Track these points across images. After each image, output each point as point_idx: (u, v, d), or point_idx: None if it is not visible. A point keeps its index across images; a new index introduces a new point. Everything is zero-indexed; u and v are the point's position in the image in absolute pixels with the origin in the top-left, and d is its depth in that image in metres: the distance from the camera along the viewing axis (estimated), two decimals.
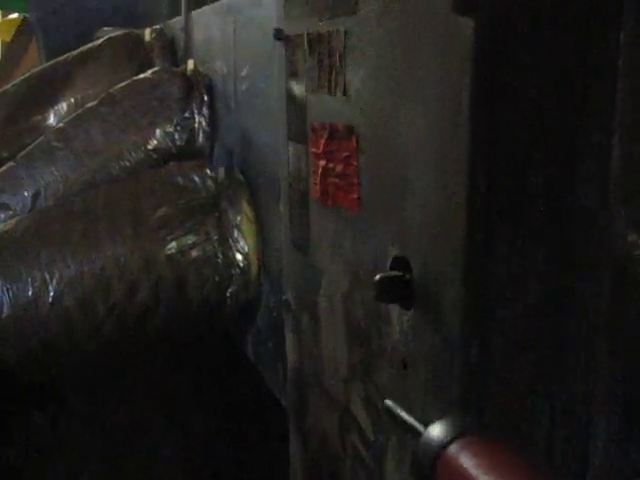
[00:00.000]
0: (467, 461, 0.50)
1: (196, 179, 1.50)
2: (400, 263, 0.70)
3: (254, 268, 1.45)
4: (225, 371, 1.62)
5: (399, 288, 0.68)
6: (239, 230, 1.46)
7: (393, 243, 0.72)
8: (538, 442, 0.71)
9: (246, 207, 1.47)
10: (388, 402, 0.66)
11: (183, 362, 1.62)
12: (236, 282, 1.45)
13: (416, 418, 0.71)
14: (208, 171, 1.50)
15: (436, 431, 0.54)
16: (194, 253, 1.44)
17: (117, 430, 1.61)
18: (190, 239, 1.44)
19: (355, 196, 0.78)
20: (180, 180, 1.50)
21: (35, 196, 1.67)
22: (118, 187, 1.55)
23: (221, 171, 1.50)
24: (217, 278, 1.44)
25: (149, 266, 1.43)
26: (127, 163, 1.64)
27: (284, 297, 1.02)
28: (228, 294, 1.45)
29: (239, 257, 1.45)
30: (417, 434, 0.58)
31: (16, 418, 1.53)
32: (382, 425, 0.81)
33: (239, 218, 1.46)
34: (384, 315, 0.75)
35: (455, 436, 0.53)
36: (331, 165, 0.82)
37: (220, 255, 1.44)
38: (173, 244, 1.44)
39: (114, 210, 1.48)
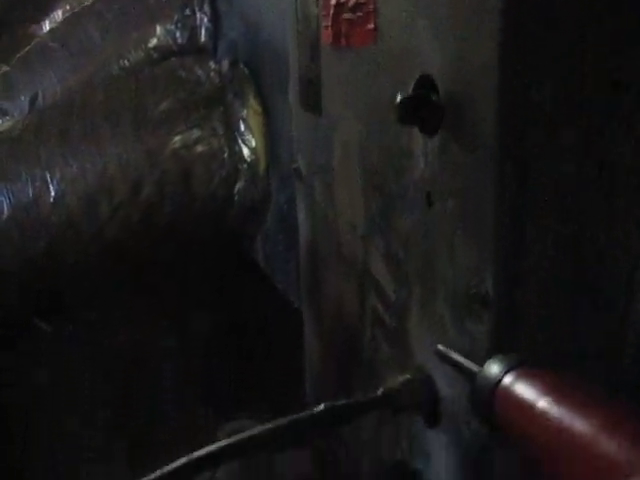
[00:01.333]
0: (523, 389, 0.50)
1: (199, 72, 1.43)
2: (425, 84, 0.63)
3: (262, 163, 1.38)
4: (233, 277, 1.57)
5: (424, 107, 0.61)
6: (246, 124, 1.39)
7: (415, 69, 0.65)
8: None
9: (252, 100, 1.40)
10: (440, 347, 0.65)
11: (189, 269, 1.57)
12: (244, 178, 1.39)
13: (441, 255, 0.66)
14: (212, 64, 1.43)
15: (491, 367, 0.54)
16: (199, 148, 1.38)
17: (121, 341, 1.57)
18: (195, 134, 1.38)
19: (371, 26, 0.71)
20: (182, 73, 1.43)
21: (32, 100, 1.60)
22: (118, 84, 1.48)
23: (225, 64, 1.43)
24: (224, 173, 1.38)
25: (153, 162, 1.37)
26: (126, 62, 1.56)
27: (294, 166, 0.96)
28: (235, 190, 1.39)
29: (246, 151, 1.38)
30: (472, 374, 0.58)
31: (19, 326, 1.49)
32: (403, 279, 0.75)
33: (245, 111, 1.39)
34: (406, 149, 0.69)
35: (509, 368, 0.53)
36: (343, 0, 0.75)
37: (226, 149, 1.38)
38: (177, 139, 1.37)
39: (114, 107, 1.42)
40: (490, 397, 0.53)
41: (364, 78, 0.75)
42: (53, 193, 1.38)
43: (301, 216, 0.98)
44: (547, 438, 0.45)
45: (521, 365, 0.53)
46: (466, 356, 0.67)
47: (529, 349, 0.66)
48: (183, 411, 1.43)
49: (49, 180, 1.38)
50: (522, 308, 0.65)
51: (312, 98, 0.86)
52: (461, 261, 0.64)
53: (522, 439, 0.49)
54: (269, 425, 0.69)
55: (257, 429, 0.69)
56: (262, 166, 1.38)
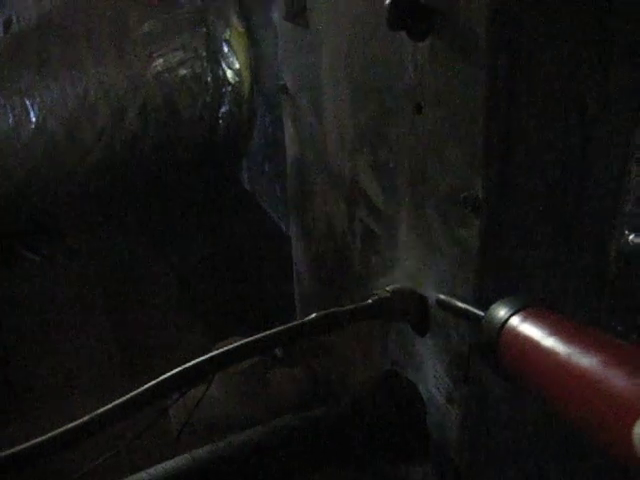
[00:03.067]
0: (528, 329, 0.51)
1: None
2: None
3: (246, 85, 1.37)
4: (219, 201, 1.57)
5: (413, 11, 0.61)
6: (229, 45, 1.37)
7: None
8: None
9: (235, 20, 1.37)
10: (442, 296, 0.66)
11: (175, 194, 1.56)
12: (228, 101, 1.37)
13: (431, 162, 0.66)
14: None
15: (496, 310, 0.55)
16: (182, 71, 1.36)
17: (112, 263, 1.57)
18: (177, 56, 1.36)
19: None
20: None
21: (7, 24, 1.55)
22: (98, 6, 1.44)
23: None
24: (208, 97, 1.37)
25: (136, 86, 1.35)
26: None
27: (280, 83, 0.94)
28: (220, 114, 1.38)
29: (230, 74, 1.36)
30: (477, 318, 0.58)
31: (12, 256, 1.48)
32: (393, 189, 0.76)
33: (228, 32, 1.37)
34: (394, 58, 0.68)
35: (515, 310, 0.53)
36: None
37: (210, 72, 1.36)
38: (159, 61, 1.35)
39: (95, 28, 1.38)
40: (497, 339, 0.53)
41: None
42: (34, 119, 1.35)
43: (288, 133, 0.97)
44: (555, 376, 0.46)
45: (526, 307, 0.53)
46: (456, 265, 0.68)
47: (514, 258, 0.67)
48: (174, 332, 1.44)
49: (29, 106, 1.35)
50: (509, 215, 0.65)
51: (297, 9, 0.85)
52: (451, 167, 0.65)
53: (530, 378, 0.50)
54: (264, 333, 0.70)
55: (251, 337, 0.70)
56: (246, 88, 1.36)
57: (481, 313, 0.58)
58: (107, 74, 1.33)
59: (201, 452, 0.73)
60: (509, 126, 0.61)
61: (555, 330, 0.49)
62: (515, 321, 0.53)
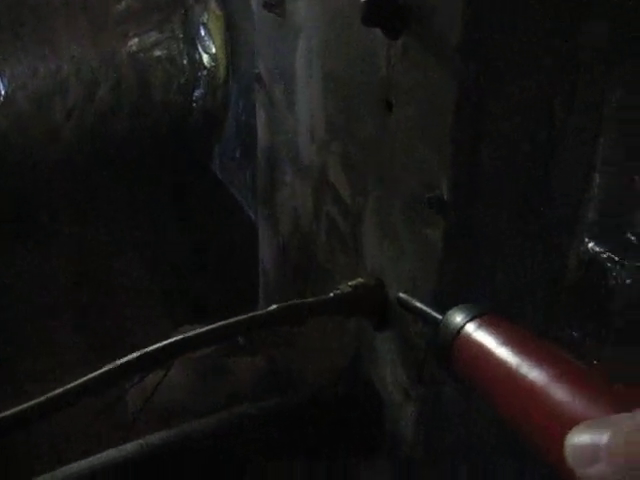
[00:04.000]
0: (482, 336, 0.51)
1: None
2: None
3: (222, 70, 1.36)
4: (190, 187, 1.56)
5: (388, 8, 0.61)
6: (206, 29, 1.35)
7: None
8: None
9: (214, 4, 1.36)
10: (402, 295, 0.66)
11: (144, 179, 1.54)
12: (203, 84, 1.36)
13: (399, 160, 0.66)
14: None
15: (453, 315, 0.55)
16: (158, 52, 1.34)
17: (80, 247, 1.55)
18: (153, 36, 1.34)
19: None
20: None
21: None
22: None
23: None
24: (182, 80, 1.36)
25: (109, 64, 1.33)
26: None
27: (256, 71, 0.94)
28: (194, 97, 1.37)
29: (206, 58, 1.35)
30: (435, 322, 0.58)
31: None
32: (360, 185, 0.76)
33: (206, 15, 1.36)
34: (368, 54, 0.68)
35: (471, 317, 0.54)
36: None
37: (185, 55, 1.35)
38: (135, 41, 1.33)
39: (70, 3, 1.36)
40: (451, 343, 0.54)
41: None
42: (2, 92, 1.33)
43: (260, 122, 0.97)
44: (502, 384, 0.47)
45: (483, 315, 0.54)
46: (419, 264, 0.68)
47: (476, 260, 0.68)
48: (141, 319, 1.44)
49: None
50: (474, 217, 0.66)
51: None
52: (418, 167, 0.65)
53: (479, 384, 0.51)
54: (225, 321, 0.70)
55: (211, 325, 0.70)
56: (222, 73, 1.35)
57: (439, 316, 0.58)
58: (81, 51, 1.31)
59: (153, 438, 0.73)
60: (477, 128, 0.61)
61: (508, 339, 0.50)
62: (470, 328, 0.53)
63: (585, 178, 0.69)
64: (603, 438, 0.33)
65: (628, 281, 0.69)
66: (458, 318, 0.55)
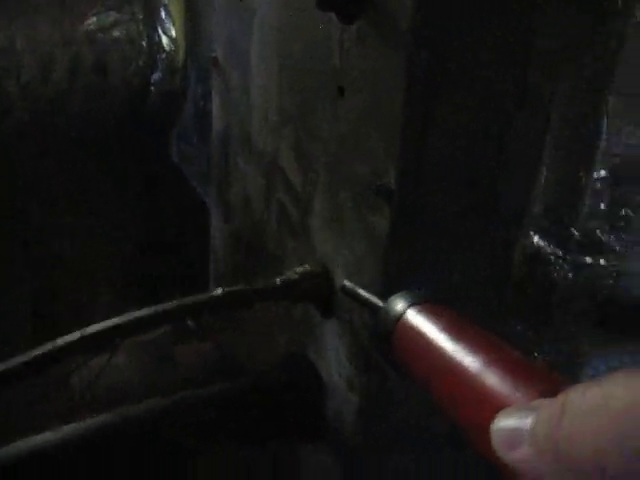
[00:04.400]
0: (422, 323, 0.52)
1: None
2: None
3: (181, 53, 1.34)
4: (146, 172, 1.54)
5: None
6: (167, 11, 1.33)
7: None
8: None
9: None
10: (347, 282, 0.66)
11: (99, 162, 1.52)
12: (161, 68, 1.34)
13: (349, 148, 0.66)
14: None
15: (394, 302, 0.55)
16: (116, 32, 1.32)
17: (43, 235, 1.53)
18: (112, 16, 1.32)
19: None
20: None
21: None
22: None
23: None
24: (141, 62, 1.34)
25: (66, 42, 1.30)
26: None
27: (212, 54, 0.93)
28: (152, 80, 1.35)
29: (165, 40, 1.33)
30: (376, 309, 0.58)
31: None
32: (310, 171, 0.76)
33: None
34: (322, 38, 0.68)
35: (411, 304, 0.54)
36: None
37: (145, 37, 1.33)
38: (93, 20, 1.31)
39: None
40: (391, 331, 0.54)
41: None
42: None
43: (215, 106, 0.96)
44: (439, 371, 0.47)
45: (423, 302, 0.54)
46: (366, 252, 0.68)
47: (422, 250, 0.68)
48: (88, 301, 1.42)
49: None
50: (421, 207, 0.66)
51: None
52: (367, 154, 0.65)
53: (417, 371, 0.51)
54: (169, 303, 0.69)
55: (155, 307, 0.69)
56: (181, 57, 1.34)
57: (380, 303, 0.58)
58: (36, 27, 1.28)
59: (92, 422, 0.72)
60: (426, 117, 0.62)
61: (446, 326, 0.50)
62: (410, 314, 0.54)
63: (533, 172, 0.70)
64: (526, 422, 0.33)
65: (570, 275, 0.70)
66: (399, 305, 0.55)
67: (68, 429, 0.73)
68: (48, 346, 0.69)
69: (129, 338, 0.75)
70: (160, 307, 0.70)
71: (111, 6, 1.32)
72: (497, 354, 0.44)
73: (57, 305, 1.51)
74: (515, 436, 0.34)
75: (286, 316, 0.86)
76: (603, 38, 0.61)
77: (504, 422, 0.35)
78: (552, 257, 0.71)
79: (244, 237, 0.95)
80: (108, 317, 0.72)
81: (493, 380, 0.41)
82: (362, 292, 0.64)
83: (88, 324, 0.70)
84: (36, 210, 1.54)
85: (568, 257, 0.70)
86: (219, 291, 0.72)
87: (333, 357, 0.77)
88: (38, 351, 0.69)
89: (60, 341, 0.69)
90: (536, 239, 0.71)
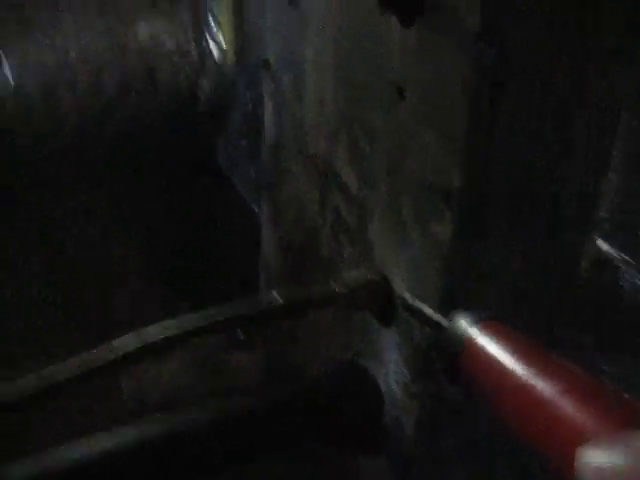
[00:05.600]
0: (490, 345, 0.51)
1: None
2: None
3: (230, 60, 1.34)
4: (194, 178, 1.54)
5: None
6: (215, 17, 1.34)
7: None
8: None
9: None
10: (406, 295, 0.65)
11: (148, 170, 1.53)
12: (210, 74, 1.34)
13: (409, 151, 0.65)
14: None
15: (459, 321, 0.54)
16: (165, 40, 1.33)
17: (78, 237, 1.54)
18: (161, 24, 1.32)
19: None
20: None
21: None
22: None
23: None
24: (189, 69, 1.34)
25: (116, 51, 1.31)
26: None
27: (264, 58, 0.92)
28: (201, 87, 1.35)
29: (214, 47, 1.34)
30: (441, 327, 0.57)
31: None
32: (368, 176, 0.74)
33: (215, 4, 1.34)
34: (382, 40, 0.67)
35: (478, 324, 0.53)
36: None
37: (193, 43, 1.33)
38: (143, 29, 1.31)
39: None
40: (458, 351, 0.53)
41: None
42: (11, 78, 1.31)
43: (267, 111, 0.95)
44: (512, 395, 0.46)
45: (490, 321, 0.53)
46: (426, 259, 0.67)
47: (484, 257, 0.66)
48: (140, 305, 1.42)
49: (4, 61, 1.31)
50: (484, 213, 0.65)
51: None
52: (429, 158, 0.63)
53: (487, 394, 0.50)
54: (223, 312, 0.69)
55: (211, 315, 0.69)
56: (230, 63, 1.34)
57: (445, 322, 0.57)
58: (88, 36, 1.30)
59: (141, 429, 0.71)
60: (491, 121, 0.60)
61: (515, 348, 0.49)
62: (477, 335, 0.52)
63: (599, 176, 0.68)
64: (619, 458, 0.32)
65: (638, 281, 0.67)
66: (464, 324, 0.54)
67: (117, 436, 0.72)
68: (101, 350, 0.68)
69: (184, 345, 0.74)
70: (219, 314, 0.69)
71: (160, 15, 1.33)
72: (573, 377, 0.44)
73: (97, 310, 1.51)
74: (606, 473, 0.32)
75: (341, 323, 0.84)
76: None
77: (593, 456, 0.34)
78: (619, 263, 0.68)
79: (296, 243, 0.94)
80: (158, 320, 0.71)
81: (573, 405, 0.40)
82: (424, 308, 0.63)
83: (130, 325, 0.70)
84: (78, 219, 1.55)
85: (636, 263, 0.67)
86: (275, 299, 0.71)
87: (391, 365, 0.76)
88: (89, 356, 0.68)
89: (115, 343, 0.68)
90: (602, 244, 0.69)
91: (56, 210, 1.48)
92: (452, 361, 0.54)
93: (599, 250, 0.70)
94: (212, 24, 1.34)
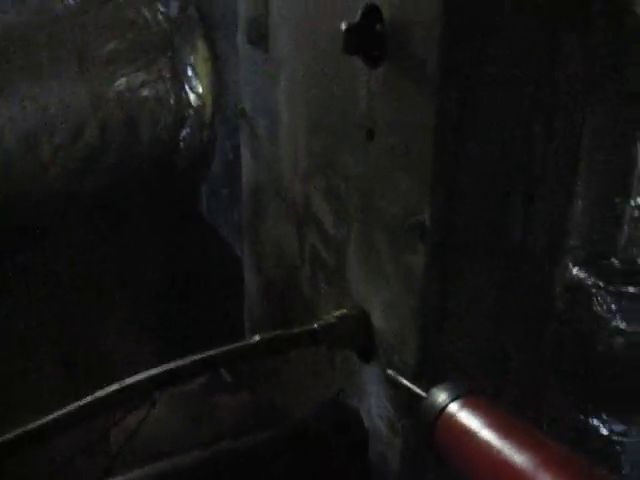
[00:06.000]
0: (466, 418, 0.53)
1: (147, 14, 1.39)
2: (370, 14, 0.63)
3: (208, 109, 1.37)
4: (176, 227, 1.56)
5: (369, 37, 0.62)
6: (193, 69, 1.37)
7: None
8: None
9: (201, 45, 1.38)
10: (389, 371, 0.67)
11: (131, 218, 1.54)
12: (190, 124, 1.37)
13: (381, 189, 0.67)
14: (159, 6, 1.40)
15: (437, 393, 0.57)
16: (145, 92, 1.35)
17: (65, 286, 1.54)
18: (141, 77, 1.35)
19: None
20: (130, 13, 1.39)
21: None
22: (62, 20, 1.43)
23: (174, 6, 1.40)
24: (169, 119, 1.36)
25: (96, 104, 1.34)
26: (71, 1, 1.51)
27: (240, 106, 0.95)
28: (181, 137, 1.38)
29: (193, 97, 1.37)
30: (419, 398, 0.60)
31: None
32: (343, 215, 0.76)
33: (193, 57, 1.37)
34: (349, 84, 0.69)
35: (455, 397, 0.55)
36: None
37: (172, 95, 1.36)
38: (122, 81, 1.34)
39: (58, 44, 1.37)
40: (434, 423, 0.55)
41: (310, 12, 0.75)
42: None
43: (245, 157, 0.97)
44: (486, 468, 0.48)
45: (466, 395, 0.55)
46: (402, 291, 0.68)
47: (458, 287, 0.68)
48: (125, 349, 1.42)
49: None
50: (455, 244, 0.66)
51: (258, 33, 0.85)
52: (400, 194, 0.65)
53: (462, 466, 0.52)
54: (207, 353, 0.69)
55: (193, 357, 0.69)
56: (208, 113, 1.37)
57: (422, 394, 0.59)
58: (68, 90, 1.32)
59: (134, 476, 0.71)
60: (457, 155, 0.62)
61: (490, 422, 0.51)
62: (453, 408, 0.54)
63: (567, 204, 0.70)
64: None
65: (613, 306, 0.69)
66: (441, 397, 0.56)
67: None
68: (88, 399, 0.69)
69: (167, 390, 0.75)
70: (198, 356, 0.70)
71: (139, 67, 1.36)
72: (546, 451, 0.45)
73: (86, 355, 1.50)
74: None
75: (322, 362, 0.85)
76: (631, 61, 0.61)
77: None
78: (593, 288, 0.70)
79: (277, 282, 0.95)
80: (145, 368, 0.72)
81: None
82: (405, 381, 0.65)
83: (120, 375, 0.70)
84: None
85: (611, 288, 0.69)
86: (256, 338, 0.72)
87: (374, 401, 0.76)
88: (76, 405, 0.69)
89: (99, 394, 0.69)
90: (575, 271, 0.70)
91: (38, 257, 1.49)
92: (427, 432, 0.56)
93: (573, 277, 0.72)
94: (191, 75, 1.37)
